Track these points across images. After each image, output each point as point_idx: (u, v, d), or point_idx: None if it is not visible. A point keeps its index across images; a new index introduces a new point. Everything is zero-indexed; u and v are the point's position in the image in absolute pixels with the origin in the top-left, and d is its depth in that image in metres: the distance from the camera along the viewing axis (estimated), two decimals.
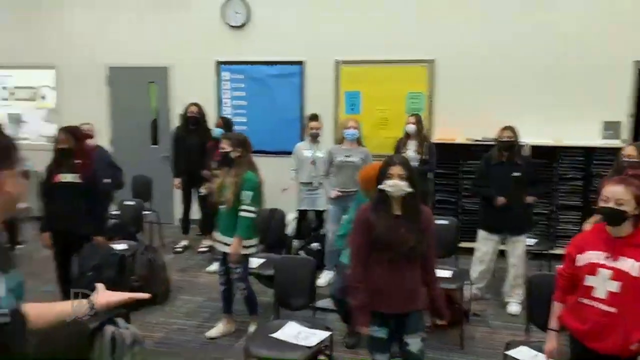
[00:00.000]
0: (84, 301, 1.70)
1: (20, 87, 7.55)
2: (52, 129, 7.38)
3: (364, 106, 6.30)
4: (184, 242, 6.10)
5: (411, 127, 5.30)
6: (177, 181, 5.98)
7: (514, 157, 4.44)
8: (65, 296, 4.03)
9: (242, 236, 3.80)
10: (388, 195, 2.59)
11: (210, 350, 3.87)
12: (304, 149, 5.39)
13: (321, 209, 5.41)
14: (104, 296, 1.74)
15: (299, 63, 6.42)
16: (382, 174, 2.62)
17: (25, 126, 7.51)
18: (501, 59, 5.85)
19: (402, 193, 2.58)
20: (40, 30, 7.15)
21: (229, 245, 3.83)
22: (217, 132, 5.56)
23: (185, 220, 6.09)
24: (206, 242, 5.95)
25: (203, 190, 5.73)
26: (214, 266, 5.17)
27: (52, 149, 4.08)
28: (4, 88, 7.58)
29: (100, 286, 1.80)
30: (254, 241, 3.94)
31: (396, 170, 2.59)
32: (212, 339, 4.02)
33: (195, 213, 6.06)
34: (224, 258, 3.95)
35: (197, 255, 5.91)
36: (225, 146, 3.82)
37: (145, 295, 1.84)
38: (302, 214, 5.55)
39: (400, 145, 5.32)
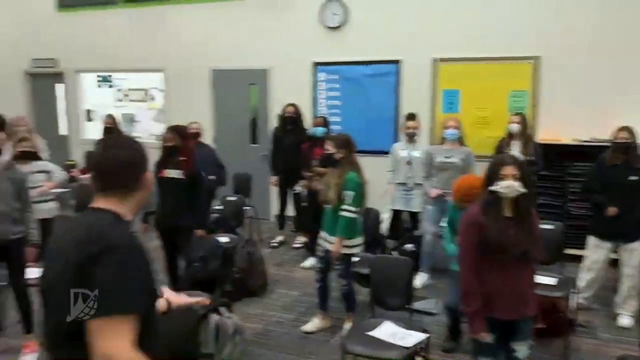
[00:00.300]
0: (163, 300, 1.94)
1: (133, 89, 8.15)
2: (160, 128, 7.91)
3: (463, 105, 6.14)
4: (279, 238, 6.29)
5: (515, 127, 5.08)
6: (275, 179, 6.17)
7: (631, 159, 4.12)
8: (173, 285, 4.33)
9: (342, 236, 3.85)
10: (499, 197, 2.52)
11: (306, 344, 3.96)
12: (400, 149, 5.34)
13: (415, 210, 5.34)
14: (174, 296, 2.05)
15: (395, 62, 6.38)
16: (493, 175, 2.54)
17: (137, 125, 8.10)
18: (612, 55, 5.46)
19: (516, 194, 2.50)
20: (151, 36, 7.67)
21: (332, 243, 3.90)
22: (319, 131, 5.64)
23: (281, 217, 6.27)
24: (300, 239, 6.09)
25: (298, 189, 5.88)
26: (309, 262, 5.29)
27: (159, 146, 4.37)
28: (119, 90, 8.22)
29: (165, 289, 2.09)
30: (357, 241, 3.96)
31: (509, 170, 2.51)
32: (307, 333, 4.11)
33: (291, 210, 6.21)
34: (325, 255, 4.02)
35: (292, 250, 6.06)
36: (330, 147, 3.89)
37: (206, 301, 2.17)
38: (396, 214, 5.51)
39: (503, 145, 5.12)
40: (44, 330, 1.58)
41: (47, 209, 4.91)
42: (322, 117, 6.04)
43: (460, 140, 4.91)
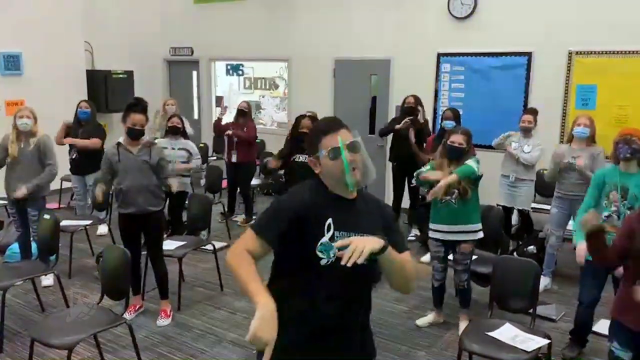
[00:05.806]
0: None
1: (259, 78, 8.54)
2: (282, 116, 8.22)
3: (600, 101, 5.70)
4: None
5: None
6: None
7: None
8: None
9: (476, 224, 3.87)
10: None
11: (419, 337, 3.96)
12: (512, 141, 5.17)
13: (521, 207, 5.17)
14: None
15: (527, 54, 6.07)
16: None
17: (262, 113, 8.48)
18: None
19: None
20: (279, 27, 7.94)
21: (464, 232, 3.85)
22: (448, 124, 5.48)
23: (396, 209, 6.24)
24: (414, 232, 6.04)
25: (414, 181, 5.81)
26: (426, 257, 5.21)
27: (285, 133, 4.57)
28: (247, 78, 8.64)
29: None
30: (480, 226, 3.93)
31: None
32: (419, 327, 4.10)
33: (407, 202, 6.18)
34: (448, 250, 3.99)
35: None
36: (461, 141, 3.83)
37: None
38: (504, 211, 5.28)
39: None
40: None
41: (183, 183, 5.36)
42: (453, 109, 5.81)
43: (592, 139, 4.56)
